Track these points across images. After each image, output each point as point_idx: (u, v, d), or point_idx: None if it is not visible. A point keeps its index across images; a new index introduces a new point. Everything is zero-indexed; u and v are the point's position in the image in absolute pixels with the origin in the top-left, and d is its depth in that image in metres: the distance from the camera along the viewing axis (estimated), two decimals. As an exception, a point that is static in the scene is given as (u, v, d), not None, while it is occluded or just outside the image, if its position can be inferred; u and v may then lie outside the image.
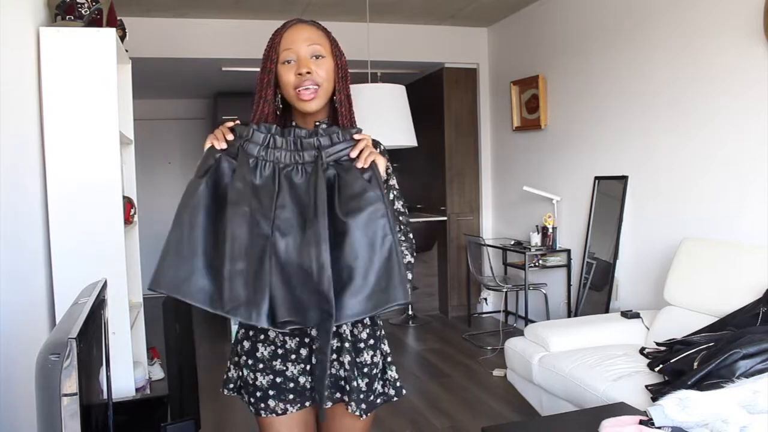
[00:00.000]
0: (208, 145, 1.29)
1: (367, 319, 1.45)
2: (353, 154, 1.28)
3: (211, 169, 1.25)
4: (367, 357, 1.44)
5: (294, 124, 1.44)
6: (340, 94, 1.43)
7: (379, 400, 1.48)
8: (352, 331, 1.43)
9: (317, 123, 1.43)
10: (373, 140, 1.50)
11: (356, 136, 1.29)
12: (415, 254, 1.46)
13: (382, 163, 1.31)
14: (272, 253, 1.21)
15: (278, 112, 1.41)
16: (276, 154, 1.27)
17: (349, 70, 1.47)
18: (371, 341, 1.46)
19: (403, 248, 1.41)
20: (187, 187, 1.25)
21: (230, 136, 1.28)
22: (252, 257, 1.20)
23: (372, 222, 1.21)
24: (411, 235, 1.46)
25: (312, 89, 1.36)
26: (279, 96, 1.40)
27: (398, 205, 1.47)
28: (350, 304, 1.19)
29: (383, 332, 1.52)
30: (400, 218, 1.45)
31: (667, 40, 3.43)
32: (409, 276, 1.38)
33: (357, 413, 1.41)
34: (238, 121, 1.31)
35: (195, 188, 1.23)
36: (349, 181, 1.24)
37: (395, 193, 1.47)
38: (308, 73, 1.35)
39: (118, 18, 2.91)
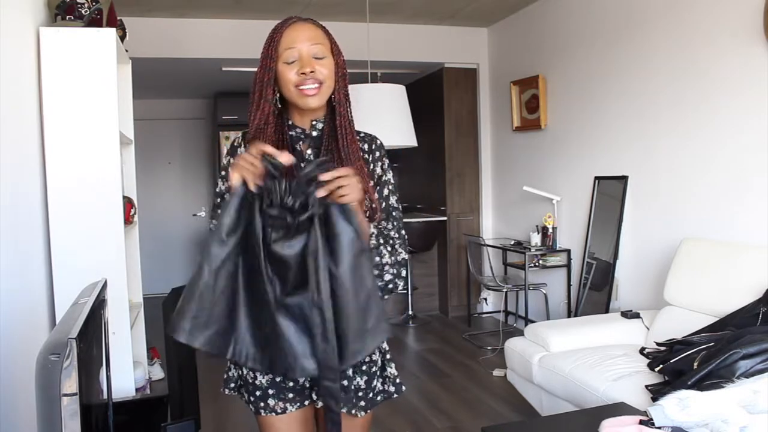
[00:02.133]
0: (237, 180, 1.21)
1: None
2: (322, 177, 1.22)
3: (238, 228, 1.23)
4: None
5: (290, 123, 1.45)
6: (339, 93, 1.43)
7: (379, 398, 1.48)
8: None
9: (314, 122, 1.44)
10: (370, 135, 1.51)
11: (323, 176, 1.21)
12: (408, 250, 1.47)
13: (354, 193, 1.24)
14: (284, 313, 1.24)
15: (276, 112, 1.42)
16: (285, 215, 1.23)
17: (349, 70, 1.47)
18: (370, 339, 1.46)
19: (396, 245, 1.42)
20: (209, 243, 1.22)
21: (258, 180, 1.21)
22: (267, 317, 1.24)
23: (356, 266, 1.22)
24: (403, 232, 1.47)
25: (315, 86, 1.36)
26: (278, 95, 1.41)
27: (392, 200, 1.47)
28: (351, 348, 1.23)
29: None
30: (393, 213, 1.46)
31: (667, 40, 3.43)
32: (403, 273, 1.41)
33: (353, 412, 1.41)
34: (268, 149, 1.22)
35: (219, 251, 1.22)
36: (329, 221, 1.22)
37: (390, 188, 1.47)
38: (311, 72, 1.35)
39: (118, 18, 2.90)
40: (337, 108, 1.43)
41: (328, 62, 1.39)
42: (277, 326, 1.23)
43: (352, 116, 1.45)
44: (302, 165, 1.32)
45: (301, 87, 1.36)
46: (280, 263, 1.24)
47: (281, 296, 1.24)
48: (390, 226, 1.44)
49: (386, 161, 1.49)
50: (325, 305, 1.21)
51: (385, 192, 1.46)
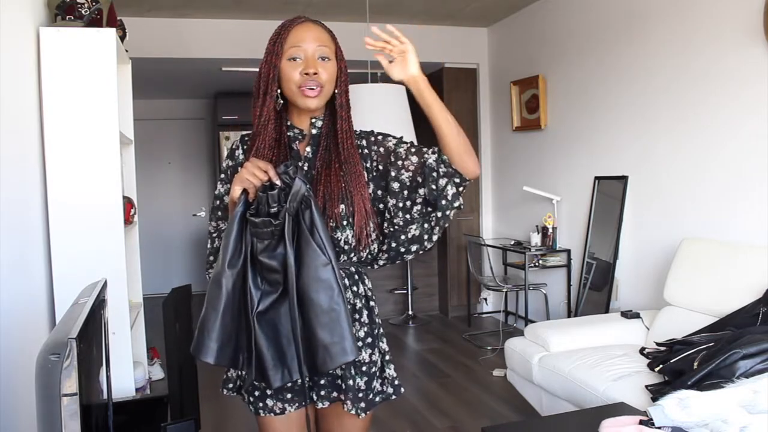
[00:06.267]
0: (237, 192, 1.26)
1: (365, 317, 1.46)
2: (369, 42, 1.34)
3: (242, 256, 1.25)
4: (365, 355, 1.44)
5: (289, 123, 1.45)
6: (341, 97, 1.43)
7: (377, 399, 1.48)
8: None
9: (313, 119, 1.44)
10: (364, 131, 1.50)
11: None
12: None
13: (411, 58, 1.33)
14: (260, 322, 1.25)
15: (279, 108, 1.42)
16: (269, 223, 1.25)
17: (350, 70, 1.48)
18: (369, 339, 1.46)
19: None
20: (215, 277, 1.25)
21: (252, 184, 1.25)
22: (248, 326, 1.27)
23: (321, 280, 1.22)
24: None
25: (316, 89, 1.37)
26: (279, 92, 1.41)
27: (407, 143, 1.46)
28: (318, 359, 1.23)
29: (381, 330, 1.52)
30: (422, 148, 1.44)
31: (667, 40, 3.43)
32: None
33: (353, 412, 1.41)
34: (270, 172, 1.26)
35: (225, 283, 1.24)
36: (297, 230, 1.24)
37: (395, 140, 1.48)
38: (315, 73, 1.36)
39: (118, 18, 2.90)
40: (339, 111, 1.43)
41: (331, 66, 1.40)
42: (256, 335, 1.25)
43: (352, 121, 1.45)
44: (300, 166, 1.33)
45: (303, 87, 1.36)
46: (270, 272, 1.25)
47: (261, 305, 1.25)
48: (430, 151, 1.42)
49: (379, 134, 1.49)
50: (291, 313, 1.22)
51: (410, 147, 1.45)
